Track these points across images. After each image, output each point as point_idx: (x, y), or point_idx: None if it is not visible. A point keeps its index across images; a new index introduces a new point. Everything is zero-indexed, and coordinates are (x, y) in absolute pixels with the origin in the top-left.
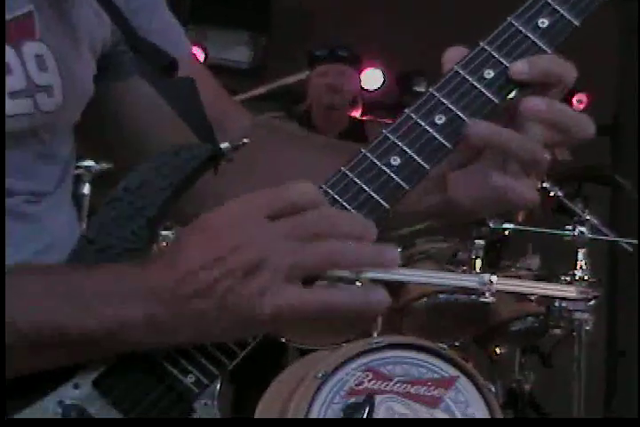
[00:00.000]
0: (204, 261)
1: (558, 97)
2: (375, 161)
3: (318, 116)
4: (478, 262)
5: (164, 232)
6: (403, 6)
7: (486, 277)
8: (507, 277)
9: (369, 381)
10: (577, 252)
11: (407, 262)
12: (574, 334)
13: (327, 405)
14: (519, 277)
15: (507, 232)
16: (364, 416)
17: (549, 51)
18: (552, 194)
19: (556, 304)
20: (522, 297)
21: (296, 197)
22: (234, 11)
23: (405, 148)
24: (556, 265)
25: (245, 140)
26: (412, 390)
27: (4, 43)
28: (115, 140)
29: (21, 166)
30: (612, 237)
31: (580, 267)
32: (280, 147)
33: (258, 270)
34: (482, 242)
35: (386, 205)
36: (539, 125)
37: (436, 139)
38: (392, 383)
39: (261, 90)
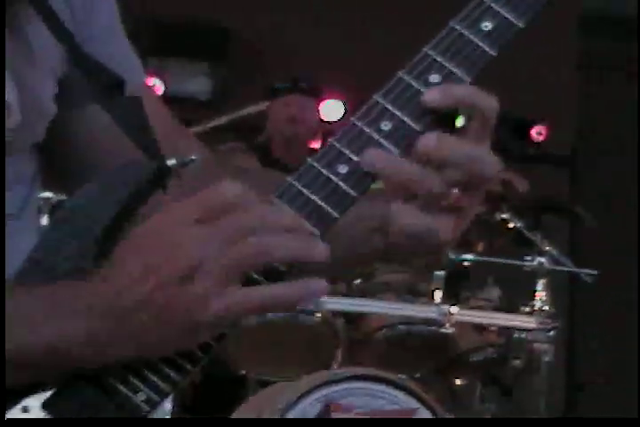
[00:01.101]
0: (140, 273)
1: (482, 129)
2: (322, 169)
3: (279, 148)
4: (438, 293)
5: None
6: (363, 37)
7: (446, 308)
8: (467, 308)
9: (330, 413)
10: (536, 283)
11: (367, 293)
12: (534, 365)
13: None
14: (479, 308)
15: (466, 263)
16: None
17: (493, 53)
18: (511, 225)
19: (516, 335)
20: (482, 328)
21: (222, 198)
22: (193, 42)
23: (352, 155)
24: (515, 296)
25: (193, 157)
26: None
27: (4, 43)
28: (74, 167)
29: None
30: (571, 268)
31: (540, 298)
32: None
33: (194, 276)
34: (442, 273)
35: (335, 213)
36: (436, 163)
37: (382, 145)
38: (352, 416)
39: (222, 120)
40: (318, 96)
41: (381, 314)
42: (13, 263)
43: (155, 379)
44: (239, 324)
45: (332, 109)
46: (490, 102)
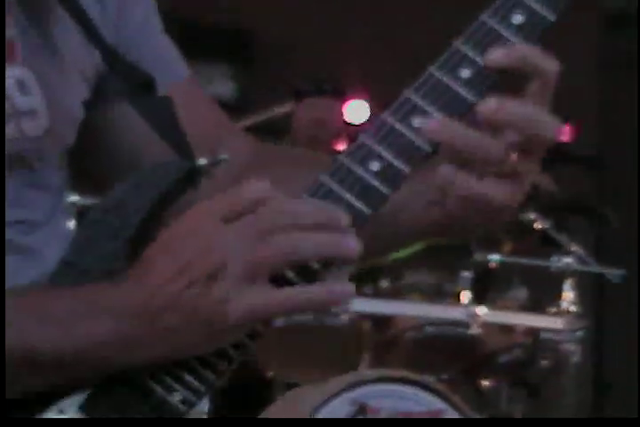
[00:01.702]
0: (170, 274)
1: (541, 93)
2: (353, 167)
3: None
4: (465, 295)
5: None
6: (388, 36)
7: (473, 309)
8: (494, 309)
9: (357, 415)
10: (563, 283)
11: (394, 295)
12: (562, 366)
13: None
14: (506, 309)
15: (493, 264)
16: None
17: None
18: (538, 225)
19: (544, 336)
20: (509, 329)
21: (249, 196)
22: (217, 44)
23: (383, 152)
24: (542, 296)
25: (224, 157)
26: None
27: (4, 41)
28: (106, 169)
29: (11, 195)
30: (598, 269)
31: (567, 298)
32: (285, 170)
33: (217, 276)
34: (469, 274)
35: (367, 211)
36: (497, 127)
37: (413, 142)
38: (380, 417)
39: (246, 122)
40: (342, 98)
41: (408, 316)
42: (44, 271)
43: (190, 379)
44: (271, 323)
45: (356, 110)
46: (552, 64)
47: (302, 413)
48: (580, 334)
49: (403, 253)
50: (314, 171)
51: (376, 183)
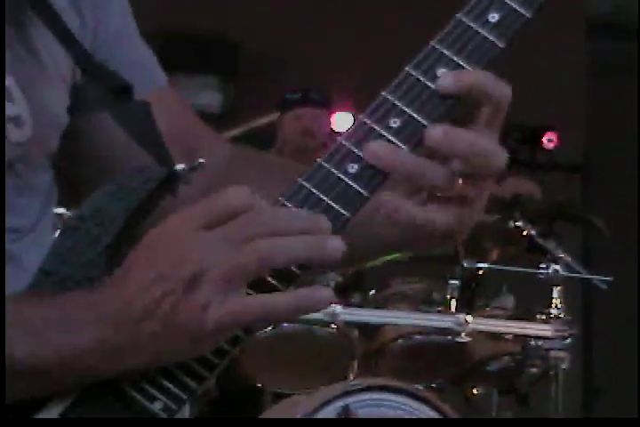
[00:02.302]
0: (148, 281)
1: (493, 119)
2: (332, 169)
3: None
4: (453, 303)
5: None
6: (371, 48)
7: (462, 317)
8: (482, 316)
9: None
10: (552, 290)
11: (382, 304)
12: (551, 373)
13: None
14: (494, 317)
15: (480, 272)
16: None
17: (501, 45)
18: (525, 232)
19: (532, 343)
20: (497, 337)
21: (229, 202)
22: (202, 55)
23: (362, 154)
24: (530, 304)
25: (202, 161)
26: None
27: (4, 42)
28: (85, 176)
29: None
30: (586, 275)
31: (555, 305)
32: (260, 176)
33: (197, 284)
34: (456, 282)
35: (346, 213)
36: (442, 154)
37: (391, 142)
38: None
39: (234, 132)
40: (329, 107)
41: (397, 324)
42: (28, 279)
43: (171, 386)
44: (252, 330)
45: (341, 121)
46: (502, 89)
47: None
48: (568, 340)
49: (379, 261)
50: (288, 175)
51: (355, 185)
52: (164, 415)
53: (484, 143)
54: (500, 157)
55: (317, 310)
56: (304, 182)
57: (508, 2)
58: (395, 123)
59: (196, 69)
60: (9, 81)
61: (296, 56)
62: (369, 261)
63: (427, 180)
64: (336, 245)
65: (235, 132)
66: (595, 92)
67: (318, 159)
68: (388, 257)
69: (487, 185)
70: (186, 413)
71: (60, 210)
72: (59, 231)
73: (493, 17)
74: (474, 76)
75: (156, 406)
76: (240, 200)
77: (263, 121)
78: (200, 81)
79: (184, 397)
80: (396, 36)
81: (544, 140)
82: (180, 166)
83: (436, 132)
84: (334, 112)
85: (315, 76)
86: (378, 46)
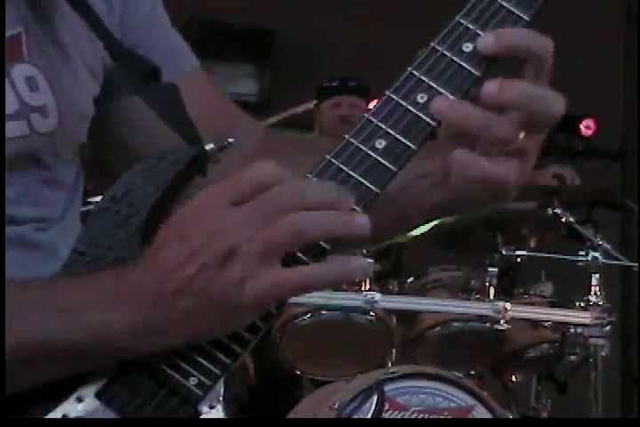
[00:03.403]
0: (179, 259)
1: (539, 73)
2: (360, 146)
3: None
4: (492, 290)
5: None
6: (408, 37)
7: (500, 304)
8: (521, 304)
9: (386, 411)
10: (591, 277)
11: (420, 291)
12: (590, 360)
13: None
14: (533, 304)
15: (519, 259)
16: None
17: (527, 17)
18: (563, 220)
19: (572, 330)
20: (536, 324)
21: (256, 177)
22: (238, 44)
23: (389, 129)
24: (569, 291)
25: (231, 141)
26: None
27: (4, 42)
28: (117, 159)
29: (26, 192)
30: (625, 262)
31: (595, 292)
32: (295, 154)
33: (231, 259)
34: (495, 270)
35: (375, 189)
36: (501, 106)
37: (419, 118)
38: (409, 413)
39: (271, 120)
40: (367, 95)
41: (435, 312)
42: (58, 267)
43: (205, 362)
44: (283, 304)
45: None
46: (544, 44)
47: (329, 410)
48: (607, 328)
49: (410, 234)
50: (322, 153)
51: (383, 161)
52: (199, 392)
53: (540, 90)
54: (558, 101)
55: (355, 280)
56: (332, 159)
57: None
58: (422, 98)
59: (232, 58)
60: (34, 71)
61: (333, 44)
62: (398, 232)
63: (494, 132)
64: (364, 221)
65: (272, 120)
66: (632, 78)
67: (346, 136)
68: (420, 229)
69: (541, 138)
70: (221, 391)
71: (97, 199)
72: (92, 211)
73: (467, 47)
74: (514, 35)
75: (191, 382)
76: (267, 174)
77: (300, 109)
78: (236, 70)
79: (218, 373)
80: (434, 25)
81: (581, 127)
82: (209, 146)
83: (492, 86)
84: (372, 100)
85: (352, 65)
86: (415, 35)
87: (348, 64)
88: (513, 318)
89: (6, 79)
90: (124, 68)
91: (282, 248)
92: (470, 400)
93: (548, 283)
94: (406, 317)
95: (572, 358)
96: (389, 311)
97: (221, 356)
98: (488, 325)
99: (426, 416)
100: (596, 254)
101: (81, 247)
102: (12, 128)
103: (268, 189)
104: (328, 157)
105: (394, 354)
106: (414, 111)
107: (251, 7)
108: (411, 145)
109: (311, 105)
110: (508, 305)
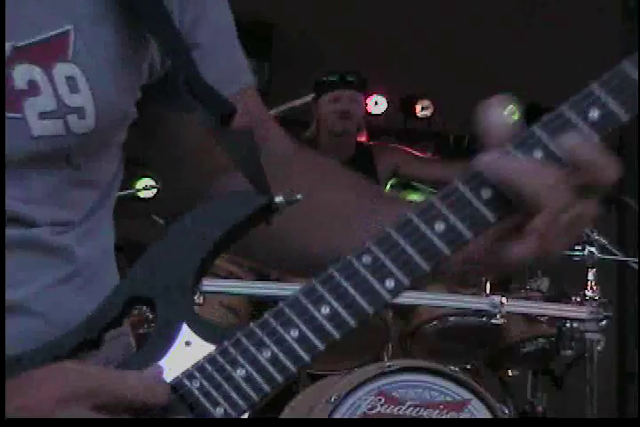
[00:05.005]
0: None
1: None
2: (420, 225)
3: (326, 143)
4: (488, 285)
5: None
6: (407, 33)
7: (497, 298)
8: (517, 298)
9: (381, 405)
10: (587, 272)
11: (417, 285)
12: (586, 354)
13: None
14: (529, 299)
15: None
16: None
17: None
18: None
19: (568, 325)
20: (532, 319)
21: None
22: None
23: (450, 215)
24: (565, 286)
25: (299, 197)
26: (425, 414)
27: (4, 41)
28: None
29: (53, 192)
30: (621, 257)
31: (591, 287)
32: (315, 187)
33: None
34: None
35: (426, 267)
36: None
37: (479, 211)
38: (405, 407)
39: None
40: (364, 90)
41: (432, 306)
42: (73, 270)
43: (234, 395)
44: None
45: (375, 103)
46: (609, 171)
47: (326, 404)
48: (603, 323)
49: None
50: (341, 183)
51: (439, 243)
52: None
53: (602, 156)
54: (616, 170)
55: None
56: (392, 231)
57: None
58: (486, 194)
59: None
60: (76, 71)
61: (331, 38)
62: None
63: (601, 175)
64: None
65: (272, 112)
66: None
67: (409, 213)
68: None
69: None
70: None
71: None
72: (157, 239)
73: (593, 115)
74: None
75: (218, 412)
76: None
77: (298, 102)
78: None
79: (244, 407)
80: (434, 21)
81: None
82: (278, 198)
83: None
84: (370, 95)
85: (350, 59)
86: (413, 31)
87: (348, 58)
88: (509, 313)
89: (46, 78)
90: (204, 104)
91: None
92: (466, 394)
93: (545, 278)
94: (403, 311)
95: (568, 352)
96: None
97: (250, 391)
98: (484, 319)
99: (422, 410)
100: (593, 249)
101: (138, 275)
102: (48, 127)
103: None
104: (388, 228)
105: (390, 348)
106: (476, 205)
107: (250, 1)
108: (467, 234)
109: (309, 98)
110: (504, 300)
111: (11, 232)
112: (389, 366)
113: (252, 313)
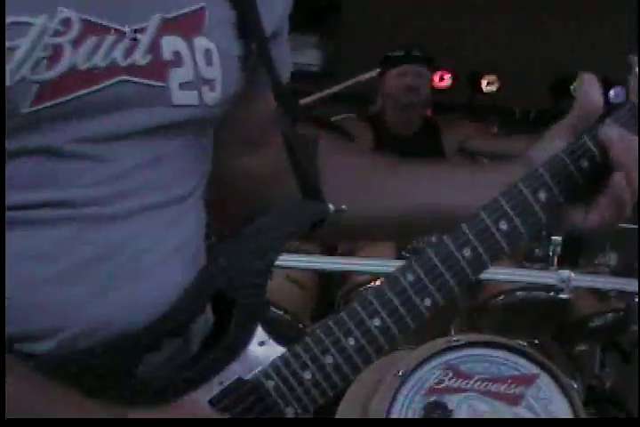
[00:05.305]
0: None
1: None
2: (488, 223)
3: (393, 117)
4: (556, 259)
5: None
6: (472, 10)
7: (565, 273)
8: (585, 273)
9: (449, 379)
10: None
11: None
12: None
13: (408, 404)
14: (598, 274)
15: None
16: None
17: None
18: None
19: (636, 300)
20: (601, 293)
21: None
22: (302, 14)
23: (514, 215)
24: (634, 260)
25: (344, 208)
26: (493, 388)
27: (4, 40)
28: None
29: (171, 159)
30: None
31: None
32: (344, 187)
33: None
34: (559, 238)
35: (488, 261)
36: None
37: (537, 212)
38: (472, 381)
39: (335, 89)
40: (431, 65)
41: (499, 281)
42: (182, 240)
43: (304, 398)
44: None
45: (441, 78)
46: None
47: (394, 378)
48: None
49: None
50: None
51: (502, 242)
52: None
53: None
54: None
55: None
56: (464, 226)
57: None
58: (543, 197)
59: (297, 28)
60: (211, 45)
61: (397, 14)
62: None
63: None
64: None
65: (336, 88)
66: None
67: (479, 210)
68: None
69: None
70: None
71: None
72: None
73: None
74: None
75: (289, 412)
76: None
77: (364, 77)
78: (301, 39)
79: (310, 408)
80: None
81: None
82: (331, 207)
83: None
84: (436, 72)
85: (416, 35)
86: (480, 7)
87: (415, 34)
88: (577, 288)
89: (188, 50)
90: (282, 105)
91: None
92: (535, 369)
93: (613, 252)
94: (470, 285)
95: (637, 327)
96: None
97: (317, 394)
98: (552, 294)
99: (489, 384)
100: None
101: (220, 258)
102: (187, 96)
103: None
104: (461, 223)
105: (458, 323)
106: (534, 207)
107: None
108: (523, 232)
109: (374, 73)
110: (572, 274)
111: (148, 200)
112: (457, 341)
113: (317, 287)
